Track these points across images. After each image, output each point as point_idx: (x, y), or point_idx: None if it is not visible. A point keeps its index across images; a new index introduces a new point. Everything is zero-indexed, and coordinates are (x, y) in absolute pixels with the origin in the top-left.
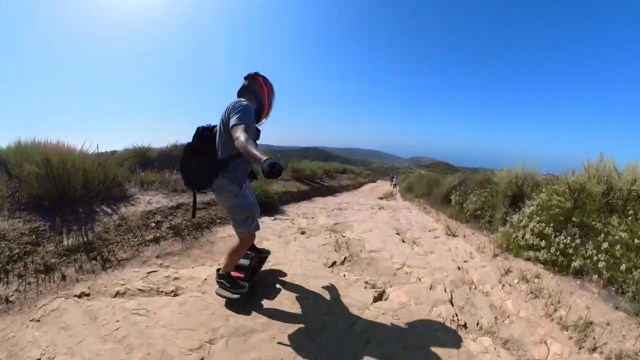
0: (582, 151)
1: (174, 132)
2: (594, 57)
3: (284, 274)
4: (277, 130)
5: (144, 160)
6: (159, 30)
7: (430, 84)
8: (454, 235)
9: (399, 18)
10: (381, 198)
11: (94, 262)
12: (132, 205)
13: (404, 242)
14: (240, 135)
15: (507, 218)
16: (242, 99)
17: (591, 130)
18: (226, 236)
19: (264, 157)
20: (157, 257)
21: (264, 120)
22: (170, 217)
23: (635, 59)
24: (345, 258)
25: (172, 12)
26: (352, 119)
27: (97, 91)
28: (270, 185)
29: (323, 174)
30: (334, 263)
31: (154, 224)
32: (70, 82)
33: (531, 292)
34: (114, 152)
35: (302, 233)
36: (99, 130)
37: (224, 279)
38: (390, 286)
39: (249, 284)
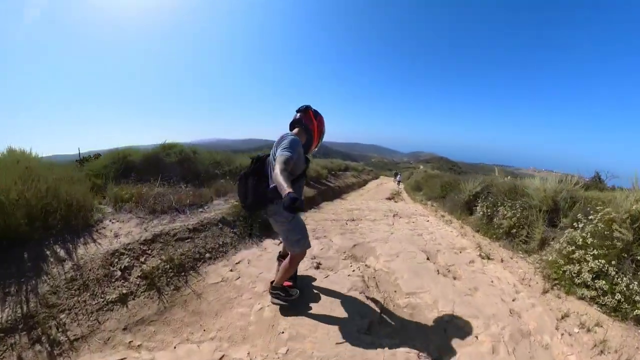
0: (579, 149)
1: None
2: (592, 54)
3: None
4: (277, 126)
5: (125, 166)
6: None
7: (430, 80)
8: (489, 258)
9: (397, 12)
10: (389, 198)
11: (37, 347)
12: (94, 241)
13: (439, 272)
14: (276, 166)
15: (548, 239)
16: (290, 133)
17: (589, 130)
18: (220, 282)
19: (289, 190)
20: (125, 329)
21: (314, 149)
22: (143, 258)
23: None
24: (380, 311)
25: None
26: (352, 113)
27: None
28: None
29: (328, 173)
30: (370, 325)
31: (119, 272)
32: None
33: (595, 346)
34: (97, 156)
35: (317, 267)
36: (82, 131)
37: (278, 290)
38: (447, 354)
39: (297, 288)
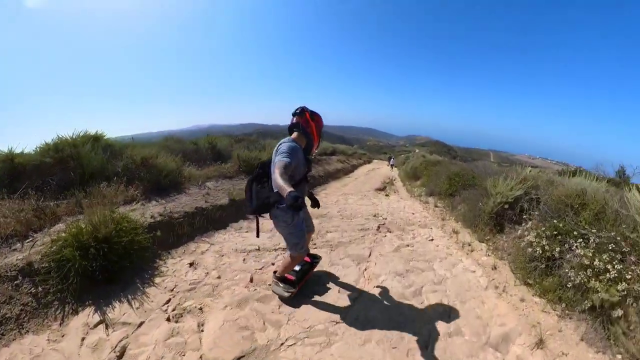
0: (574, 139)
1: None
2: (587, 50)
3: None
4: (267, 109)
5: (10, 173)
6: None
7: (426, 63)
8: None
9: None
10: (380, 189)
11: None
12: None
13: None
14: (275, 171)
15: None
16: (288, 139)
17: (584, 120)
18: None
19: (290, 189)
20: None
21: (316, 150)
22: None
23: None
24: None
25: None
26: (348, 97)
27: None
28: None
29: None
30: None
31: None
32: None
33: None
34: None
35: None
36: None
37: (279, 280)
38: None
39: (298, 285)
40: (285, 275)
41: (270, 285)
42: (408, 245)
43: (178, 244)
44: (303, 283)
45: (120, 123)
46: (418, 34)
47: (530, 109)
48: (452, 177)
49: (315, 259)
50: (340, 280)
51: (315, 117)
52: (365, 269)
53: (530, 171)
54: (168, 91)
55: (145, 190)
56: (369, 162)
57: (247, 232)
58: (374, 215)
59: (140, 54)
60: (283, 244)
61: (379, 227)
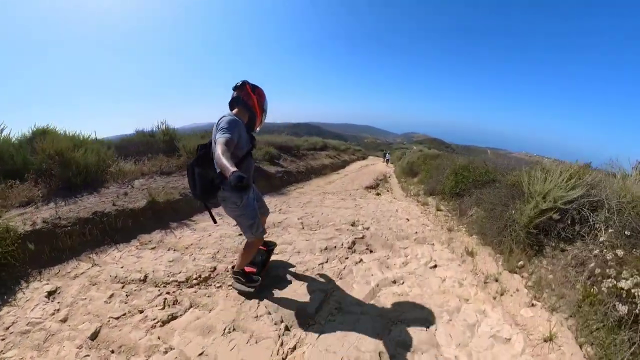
0: (570, 137)
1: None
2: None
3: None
4: (270, 107)
5: None
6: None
7: (425, 60)
8: None
9: None
10: (371, 188)
11: None
12: None
13: None
14: (217, 149)
15: None
16: (227, 114)
17: (579, 118)
18: None
19: (233, 169)
20: None
21: (258, 128)
22: None
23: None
24: None
25: None
26: (346, 95)
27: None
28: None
29: (281, 153)
30: None
31: None
32: None
33: None
34: None
35: None
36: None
37: (239, 275)
38: None
39: (261, 275)
40: (245, 268)
41: (229, 285)
42: (395, 282)
43: (56, 262)
44: (264, 273)
45: (119, 122)
46: (415, 32)
47: (524, 105)
48: (459, 171)
49: (270, 245)
50: None
51: (256, 90)
52: None
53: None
54: (168, 90)
55: (52, 190)
56: (364, 158)
57: (153, 248)
58: (352, 224)
59: (134, 53)
60: (181, 276)
61: (353, 243)
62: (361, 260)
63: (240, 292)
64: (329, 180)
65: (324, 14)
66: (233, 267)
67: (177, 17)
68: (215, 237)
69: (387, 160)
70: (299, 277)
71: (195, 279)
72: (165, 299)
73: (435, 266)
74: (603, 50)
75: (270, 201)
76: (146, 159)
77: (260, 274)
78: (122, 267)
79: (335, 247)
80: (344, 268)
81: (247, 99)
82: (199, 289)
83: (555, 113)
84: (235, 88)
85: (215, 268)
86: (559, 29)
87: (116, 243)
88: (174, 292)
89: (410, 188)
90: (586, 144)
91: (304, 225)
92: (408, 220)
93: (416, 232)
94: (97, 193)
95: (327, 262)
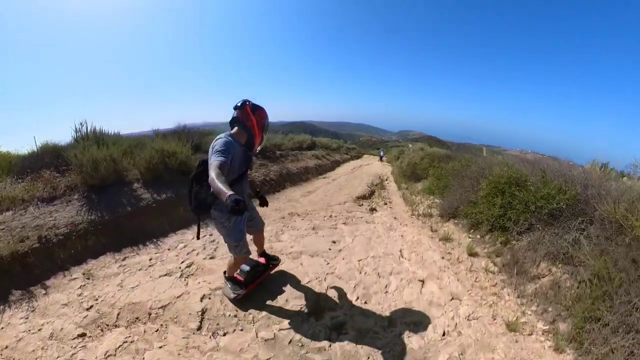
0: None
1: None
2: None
3: None
4: (264, 106)
5: None
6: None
7: (418, 57)
8: None
9: None
10: (363, 198)
11: None
12: None
13: None
14: (211, 172)
15: None
16: (224, 135)
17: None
18: None
19: (229, 192)
20: None
21: (258, 148)
22: None
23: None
24: None
25: None
26: (341, 93)
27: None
28: None
29: (259, 153)
30: None
31: None
32: None
33: None
34: None
35: None
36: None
37: (228, 280)
38: None
39: (247, 288)
40: (235, 275)
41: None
42: None
43: None
44: (254, 286)
45: (117, 121)
46: (409, 30)
47: (514, 102)
48: (506, 187)
49: (274, 260)
50: None
51: (257, 111)
52: None
53: None
54: (157, 90)
55: None
56: (358, 157)
57: None
58: (312, 310)
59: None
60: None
61: None
62: None
63: (225, 294)
64: (308, 190)
65: (316, 10)
66: (225, 272)
67: (173, 17)
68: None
69: (381, 158)
70: None
71: None
72: None
73: None
74: (592, 50)
75: (185, 243)
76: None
77: (248, 287)
78: None
79: None
80: None
81: (246, 121)
82: None
83: (542, 110)
84: (236, 108)
85: None
86: (550, 27)
87: None
88: None
89: (416, 200)
90: (568, 139)
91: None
92: (423, 283)
93: (450, 337)
94: None
95: None
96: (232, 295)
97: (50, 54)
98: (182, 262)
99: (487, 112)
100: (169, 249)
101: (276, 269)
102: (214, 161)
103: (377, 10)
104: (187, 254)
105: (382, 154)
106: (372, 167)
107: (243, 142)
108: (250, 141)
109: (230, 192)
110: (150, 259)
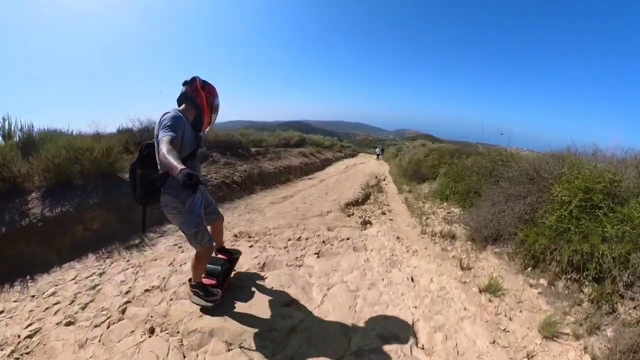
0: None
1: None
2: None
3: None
4: (260, 106)
5: None
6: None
7: (413, 57)
8: None
9: None
10: (354, 204)
11: None
12: None
13: None
14: (162, 147)
15: None
16: (172, 110)
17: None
18: None
19: (180, 167)
20: None
21: (207, 128)
22: None
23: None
24: None
25: None
26: (338, 93)
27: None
28: None
29: (228, 150)
30: None
31: None
32: None
33: None
34: None
35: None
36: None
37: (196, 288)
38: None
39: (222, 288)
40: (202, 280)
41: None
42: None
43: None
44: (227, 285)
45: (116, 119)
46: (406, 29)
47: (510, 98)
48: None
49: (234, 254)
50: None
51: (206, 87)
52: None
53: None
54: (157, 90)
55: None
56: (353, 155)
57: None
58: None
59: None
60: None
61: None
62: None
63: (201, 308)
64: (284, 194)
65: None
66: (190, 280)
67: (167, 16)
68: None
69: (379, 156)
70: None
71: None
72: None
73: None
74: (577, 47)
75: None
76: None
77: (222, 287)
78: None
79: None
80: None
81: (195, 96)
82: None
83: (531, 106)
84: (185, 83)
85: None
86: (546, 24)
87: None
88: None
89: (425, 208)
90: (555, 134)
91: None
92: None
93: None
94: None
95: None
96: (209, 304)
97: (43, 51)
98: (26, 327)
99: (482, 111)
100: (33, 296)
101: None
102: (164, 136)
103: (373, 9)
104: (45, 309)
105: (379, 151)
106: (367, 165)
107: (191, 118)
108: (199, 119)
109: (182, 167)
110: None
